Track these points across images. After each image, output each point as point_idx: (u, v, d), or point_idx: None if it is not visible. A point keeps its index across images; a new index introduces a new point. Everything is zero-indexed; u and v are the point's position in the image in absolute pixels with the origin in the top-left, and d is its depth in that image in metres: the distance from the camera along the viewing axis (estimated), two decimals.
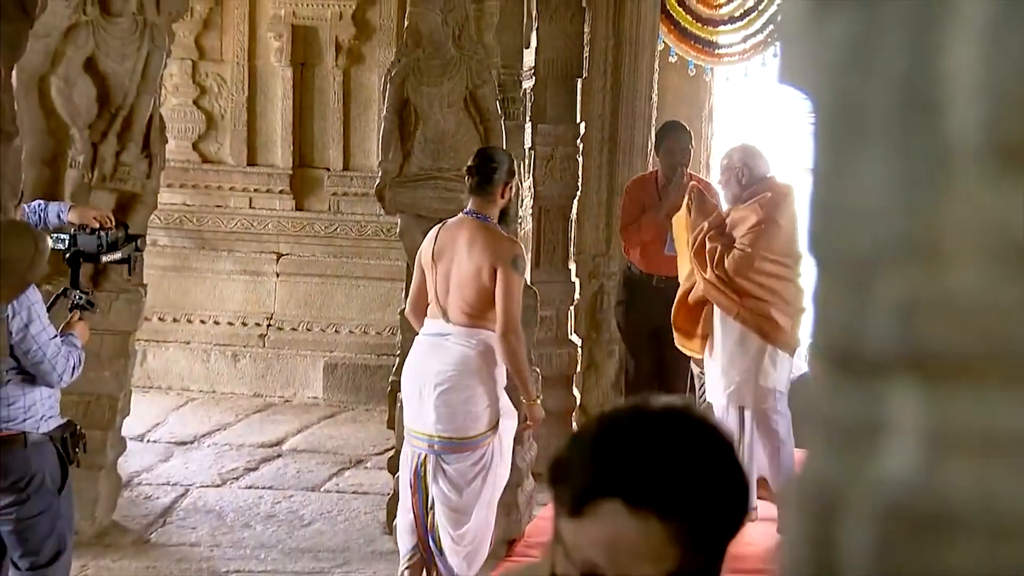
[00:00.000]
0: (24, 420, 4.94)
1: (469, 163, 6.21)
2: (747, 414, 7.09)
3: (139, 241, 5.94)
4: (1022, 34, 0.98)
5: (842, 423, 1.09)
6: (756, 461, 7.07)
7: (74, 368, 5.15)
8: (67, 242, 5.57)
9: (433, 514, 6.05)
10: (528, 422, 6.31)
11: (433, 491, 6.02)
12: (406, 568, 6.14)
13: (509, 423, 6.18)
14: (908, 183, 1.02)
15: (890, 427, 1.05)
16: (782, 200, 7.19)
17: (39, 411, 5.09)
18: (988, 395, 1.02)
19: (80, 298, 5.46)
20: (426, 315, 6.14)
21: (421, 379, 6.04)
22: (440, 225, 6.21)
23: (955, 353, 1.03)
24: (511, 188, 6.17)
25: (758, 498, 6.89)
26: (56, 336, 5.09)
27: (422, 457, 6.05)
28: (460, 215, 6.14)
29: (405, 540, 6.15)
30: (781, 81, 1.14)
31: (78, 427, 5.30)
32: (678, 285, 7.83)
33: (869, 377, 1.07)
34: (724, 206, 7.50)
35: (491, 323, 5.96)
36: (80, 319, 5.41)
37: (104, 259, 5.75)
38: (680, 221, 7.60)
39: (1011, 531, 1.00)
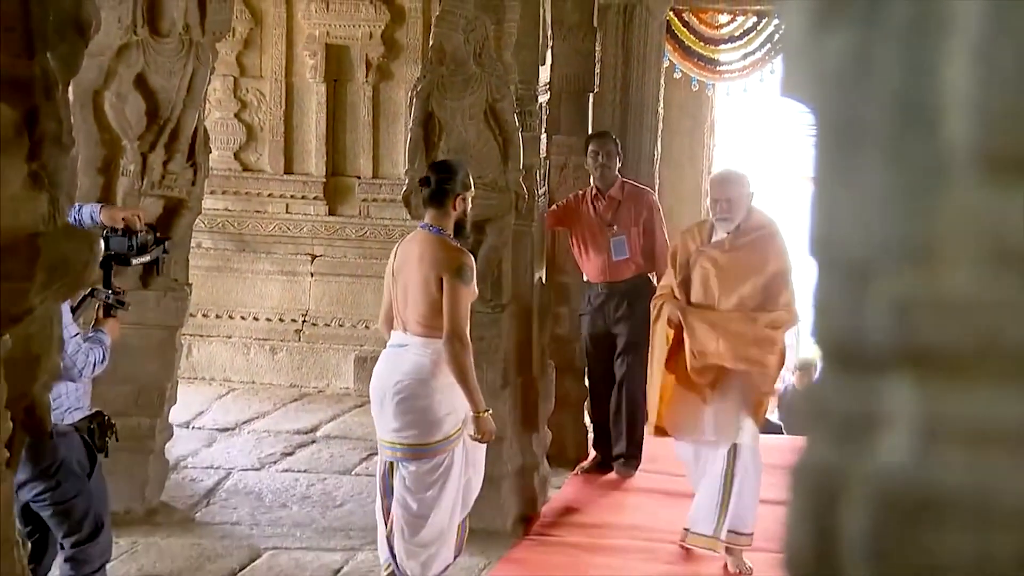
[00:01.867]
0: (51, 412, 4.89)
1: (423, 175, 5.99)
2: (742, 451, 6.48)
3: (167, 244, 5.78)
4: (1011, 52, 0.97)
5: (841, 415, 1.08)
6: (735, 499, 6.49)
7: (95, 364, 5.06)
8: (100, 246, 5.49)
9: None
10: (476, 435, 5.74)
11: (396, 496, 5.78)
12: None
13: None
14: (904, 190, 1.01)
15: (886, 419, 1.04)
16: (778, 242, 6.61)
17: (64, 403, 5.06)
18: (979, 389, 1.01)
19: (110, 297, 5.34)
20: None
21: (382, 389, 5.79)
22: (402, 240, 6.04)
23: (948, 350, 1.01)
24: (464, 199, 5.82)
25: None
26: (79, 334, 5.02)
27: (387, 465, 5.82)
28: (417, 229, 5.92)
29: (383, 548, 5.89)
30: (783, 94, 1.12)
31: (107, 418, 5.20)
32: (622, 284, 7.90)
33: (867, 372, 1.05)
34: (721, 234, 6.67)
35: None
36: (111, 316, 5.33)
37: (134, 261, 5.60)
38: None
39: (1000, 517, 0.99)
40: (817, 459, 1.08)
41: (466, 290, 5.67)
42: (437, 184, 5.77)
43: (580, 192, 8.28)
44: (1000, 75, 0.97)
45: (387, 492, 5.81)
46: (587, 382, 8.37)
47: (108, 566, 6.59)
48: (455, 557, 5.98)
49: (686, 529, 6.72)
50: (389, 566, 5.82)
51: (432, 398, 5.67)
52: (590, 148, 8.21)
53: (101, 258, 4.99)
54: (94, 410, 5.22)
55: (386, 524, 5.81)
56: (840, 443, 1.06)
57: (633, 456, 8.06)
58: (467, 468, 5.87)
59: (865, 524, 1.03)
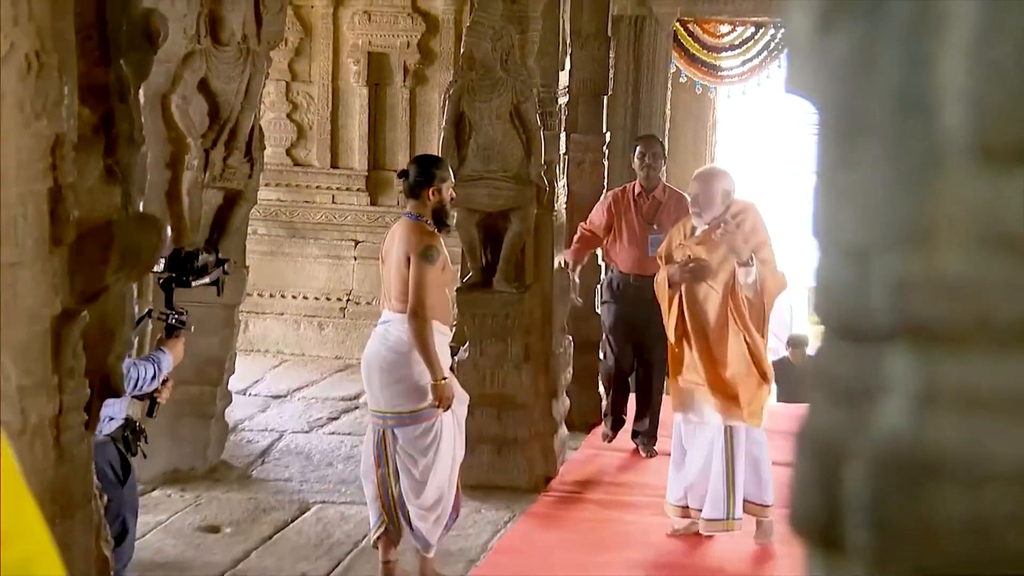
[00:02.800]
0: None
1: (402, 168, 5.89)
2: (737, 432, 6.21)
3: (227, 265, 5.23)
4: (1003, 49, 0.94)
5: (844, 384, 1.05)
6: (740, 476, 6.22)
7: (139, 379, 4.66)
8: (162, 267, 4.93)
9: (399, 487, 5.68)
10: (434, 401, 5.57)
11: (397, 464, 5.67)
12: (376, 538, 5.79)
13: (460, 408, 5.79)
14: (903, 177, 0.99)
15: (886, 387, 1.02)
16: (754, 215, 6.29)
17: (104, 412, 4.66)
18: (972, 360, 0.99)
19: (173, 319, 4.96)
20: None
21: (369, 364, 5.72)
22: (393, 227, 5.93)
23: (943, 324, 0.99)
24: (440, 191, 5.67)
25: (744, 512, 6.26)
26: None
27: (381, 432, 5.71)
28: (402, 216, 5.86)
29: (372, 509, 5.79)
30: (788, 90, 1.10)
31: (137, 423, 4.83)
32: (650, 280, 6.94)
33: (868, 344, 1.03)
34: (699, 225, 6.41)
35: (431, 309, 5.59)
36: (174, 337, 4.93)
37: (195, 283, 5.07)
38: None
39: (990, 477, 0.97)
40: (821, 424, 1.06)
41: (430, 269, 5.52)
42: (413, 177, 5.68)
43: (623, 188, 8.01)
44: (994, 70, 0.95)
45: (379, 461, 5.70)
46: (607, 367, 7.95)
47: (175, 516, 6.62)
48: (455, 517, 5.89)
49: (703, 519, 6.32)
50: (381, 525, 5.74)
51: (413, 368, 5.56)
52: (638, 149, 7.96)
53: (165, 262, 4.83)
54: (124, 417, 4.82)
55: (377, 491, 5.71)
56: (843, 409, 1.04)
57: (654, 436, 7.76)
58: (458, 433, 5.77)
59: (866, 484, 1.01)
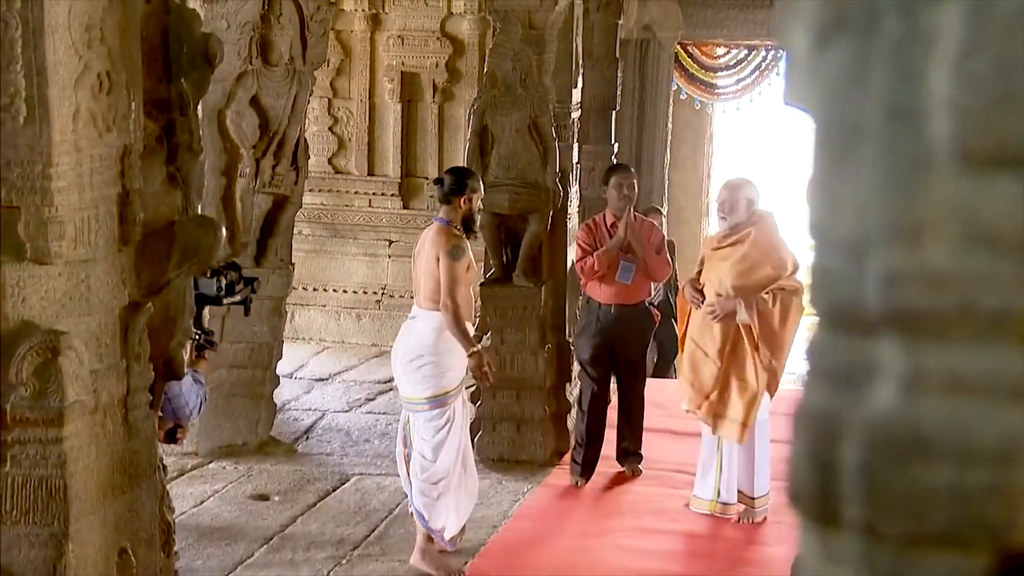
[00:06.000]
0: None
1: (438, 176, 5.76)
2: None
3: (255, 284, 4.64)
4: (986, 62, 0.92)
5: (838, 369, 1.03)
6: (735, 469, 6.08)
7: (201, 404, 4.23)
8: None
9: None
10: (475, 371, 5.52)
11: (414, 442, 5.61)
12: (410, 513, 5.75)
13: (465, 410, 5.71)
14: (893, 180, 0.97)
15: (877, 372, 1.00)
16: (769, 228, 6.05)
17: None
18: (956, 347, 0.97)
19: (201, 338, 4.43)
20: None
21: (396, 355, 5.66)
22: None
23: (930, 314, 0.97)
24: (470, 200, 5.55)
25: (737, 500, 6.13)
26: (191, 372, 4.08)
27: (406, 418, 5.67)
28: (432, 221, 5.75)
29: (405, 484, 5.74)
30: (787, 102, 1.08)
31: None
32: (628, 309, 6.65)
33: (861, 332, 1.01)
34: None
35: None
36: (201, 357, 4.40)
37: (225, 301, 4.51)
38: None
39: (974, 455, 0.95)
40: (817, 405, 1.04)
41: (457, 265, 5.45)
42: (448, 186, 5.60)
43: (593, 219, 6.90)
44: (976, 82, 0.93)
45: (405, 442, 5.68)
46: (582, 398, 6.91)
47: (230, 486, 6.63)
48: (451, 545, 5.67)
49: (693, 495, 6.29)
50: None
51: (434, 360, 5.51)
52: (614, 180, 6.77)
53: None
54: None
55: (406, 468, 5.68)
56: (837, 392, 1.02)
57: (640, 454, 6.99)
58: (465, 427, 5.68)
59: (859, 460, 0.99)
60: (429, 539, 5.62)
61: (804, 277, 5.98)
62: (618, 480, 6.85)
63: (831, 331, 1.04)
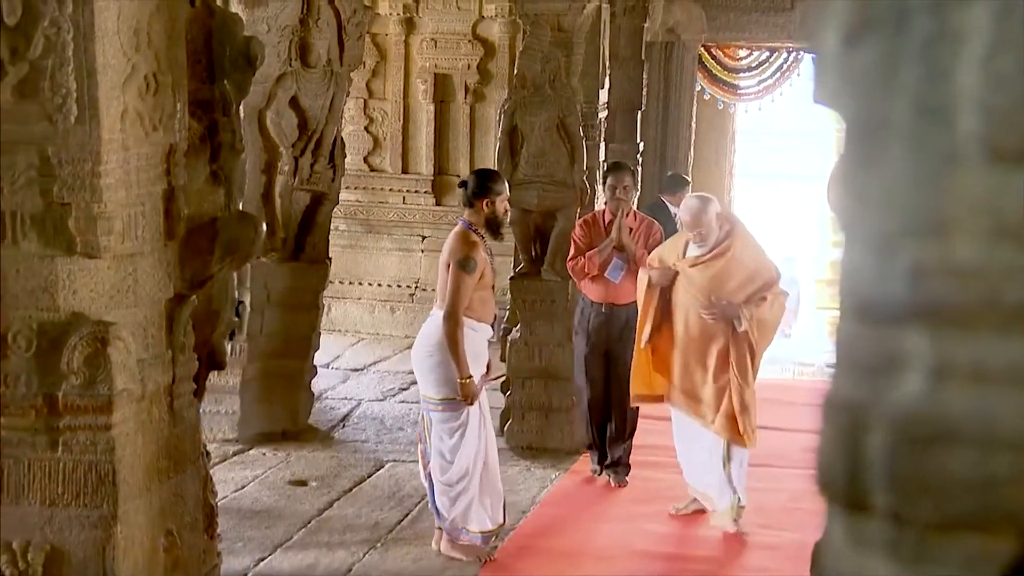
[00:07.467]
0: None
1: (463, 179, 5.58)
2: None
3: (239, 307, 4.31)
4: (1011, 63, 0.91)
5: (866, 360, 1.02)
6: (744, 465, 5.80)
7: None
8: None
9: (432, 462, 5.49)
10: (459, 395, 5.27)
11: (431, 440, 5.45)
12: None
13: (486, 406, 5.48)
14: (922, 176, 0.96)
15: (904, 363, 0.99)
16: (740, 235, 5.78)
17: None
18: (981, 338, 0.96)
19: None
20: None
21: (413, 351, 5.50)
22: None
23: (957, 306, 0.96)
24: (493, 203, 5.32)
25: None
26: None
27: (422, 414, 5.52)
28: (458, 222, 5.52)
29: (424, 480, 5.63)
30: (816, 101, 1.07)
31: None
32: (624, 309, 6.35)
33: (888, 324, 1.00)
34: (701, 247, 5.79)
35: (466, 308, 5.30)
36: None
37: None
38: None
39: (997, 443, 0.94)
40: (845, 395, 1.03)
41: (466, 277, 5.23)
42: (471, 188, 5.41)
43: (592, 215, 6.65)
44: (1003, 81, 0.92)
45: (420, 438, 5.56)
46: (584, 396, 6.67)
47: (269, 471, 6.66)
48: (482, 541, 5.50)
49: (712, 511, 5.94)
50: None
51: (444, 362, 5.27)
52: (608, 180, 6.48)
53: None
54: None
55: (423, 464, 5.56)
56: (865, 382, 1.01)
57: (628, 464, 6.69)
58: (484, 429, 5.45)
59: (886, 448, 0.98)
60: (441, 531, 5.53)
61: (784, 285, 5.81)
62: (643, 467, 6.83)
63: (858, 323, 1.03)
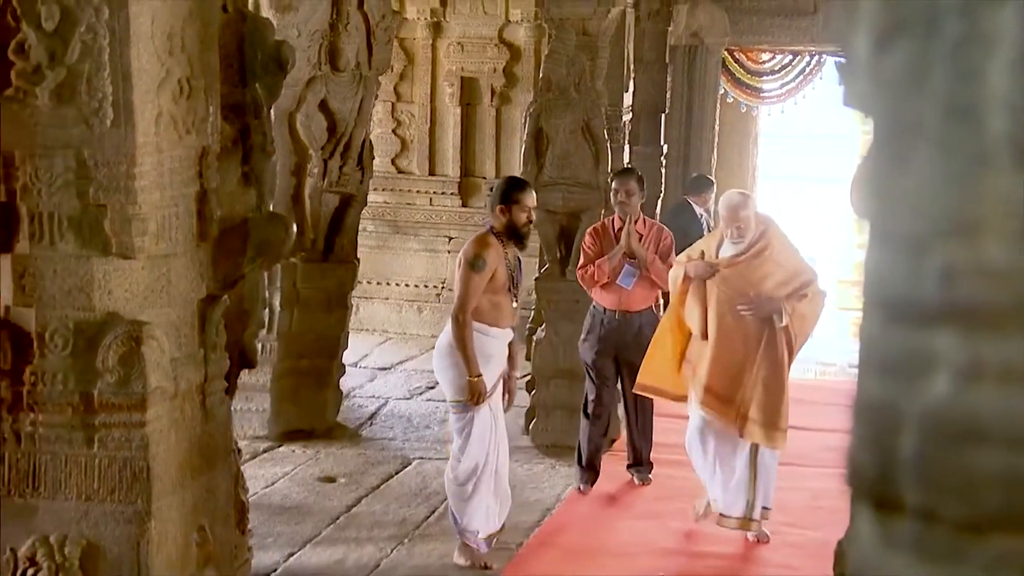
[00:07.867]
0: None
1: (490, 185, 5.57)
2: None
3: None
4: None
5: (896, 360, 1.02)
6: (771, 471, 5.64)
7: None
8: None
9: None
10: (467, 394, 5.19)
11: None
12: None
13: (496, 405, 5.36)
14: (952, 178, 0.95)
15: (934, 363, 0.99)
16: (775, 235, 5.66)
17: None
18: (1011, 339, 0.95)
19: None
20: None
21: (433, 355, 5.45)
22: None
23: (987, 307, 0.95)
24: (508, 211, 5.23)
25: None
26: None
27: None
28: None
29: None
30: (846, 104, 1.06)
31: None
32: (637, 315, 6.28)
33: (918, 325, 1.00)
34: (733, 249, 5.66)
35: (476, 311, 5.24)
36: None
37: None
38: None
39: None
40: (874, 396, 1.03)
41: (474, 275, 5.16)
42: (494, 194, 5.39)
43: (602, 223, 6.52)
44: None
45: (450, 437, 5.54)
46: (586, 403, 6.50)
47: (299, 468, 6.68)
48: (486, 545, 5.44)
49: (720, 514, 5.75)
50: None
51: (456, 365, 5.22)
52: (613, 185, 6.44)
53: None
54: None
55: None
56: (895, 382, 1.01)
57: (650, 463, 6.65)
58: (495, 433, 5.37)
59: (916, 447, 0.98)
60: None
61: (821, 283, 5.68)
62: (666, 465, 6.81)
63: (888, 324, 1.02)
